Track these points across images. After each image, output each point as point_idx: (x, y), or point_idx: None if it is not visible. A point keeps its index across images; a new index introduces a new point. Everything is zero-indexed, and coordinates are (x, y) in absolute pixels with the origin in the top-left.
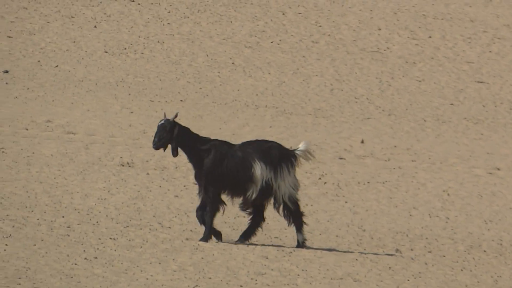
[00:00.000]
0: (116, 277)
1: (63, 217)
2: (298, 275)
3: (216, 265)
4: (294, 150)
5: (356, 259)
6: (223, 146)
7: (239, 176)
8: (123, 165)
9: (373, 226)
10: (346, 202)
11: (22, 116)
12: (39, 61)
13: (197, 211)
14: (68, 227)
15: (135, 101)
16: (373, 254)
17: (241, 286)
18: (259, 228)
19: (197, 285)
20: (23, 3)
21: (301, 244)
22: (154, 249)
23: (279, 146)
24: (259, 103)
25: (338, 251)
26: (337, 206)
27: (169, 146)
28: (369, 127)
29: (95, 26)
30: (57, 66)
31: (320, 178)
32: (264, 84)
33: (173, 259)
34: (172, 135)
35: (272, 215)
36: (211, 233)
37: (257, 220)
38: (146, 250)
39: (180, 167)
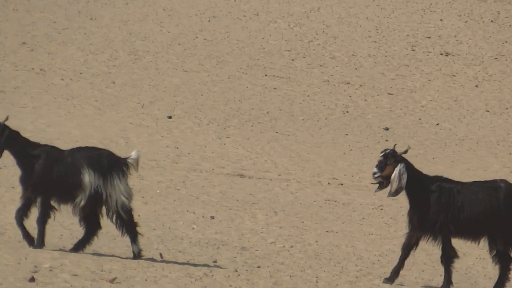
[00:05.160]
0: None
1: None
2: None
3: None
4: (126, 158)
5: None
6: (54, 152)
7: (68, 182)
8: None
9: None
10: None
11: None
12: (419, 118)
13: (17, 212)
14: None
15: None
16: None
17: None
18: (95, 237)
19: None
20: (404, 61)
21: (136, 255)
22: None
23: (109, 154)
24: None
25: None
26: None
27: None
28: None
29: (476, 86)
30: (438, 124)
31: None
32: None
33: None
34: (2, 138)
35: None
36: (43, 240)
37: (92, 228)
38: None
39: None
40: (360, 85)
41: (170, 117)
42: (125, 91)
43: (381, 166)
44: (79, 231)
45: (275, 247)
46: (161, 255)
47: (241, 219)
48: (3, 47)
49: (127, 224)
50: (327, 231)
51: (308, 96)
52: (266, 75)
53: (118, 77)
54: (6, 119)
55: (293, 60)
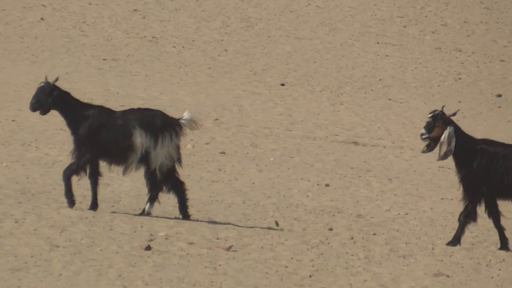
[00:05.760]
0: None
1: None
2: None
3: None
4: (178, 119)
5: None
6: (103, 114)
7: (119, 144)
8: None
9: None
10: None
11: None
12: None
13: (66, 169)
14: None
15: None
16: None
17: None
18: (186, 193)
19: None
20: None
21: (144, 213)
22: None
23: (162, 115)
24: None
25: None
26: None
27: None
28: None
29: None
30: None
31: None
32: None
33: None
34: (50, 98)
35: None
36: (70, 195)
37: (179, 190)
38: None
39: None
40: (472, 52)
41: (283, 85)
42: (238, 58)
43: (429, 127)
44: (194, 199)
45: (390, 214)
46: (276, 222)
47: (355, 187)
48: (114, 14)
49: (157, 184)
50: (441, 198)
51: (420, 63)
52: (378, 43)
53: (230, 45)
54: (56, 80)
55: (405, 27)
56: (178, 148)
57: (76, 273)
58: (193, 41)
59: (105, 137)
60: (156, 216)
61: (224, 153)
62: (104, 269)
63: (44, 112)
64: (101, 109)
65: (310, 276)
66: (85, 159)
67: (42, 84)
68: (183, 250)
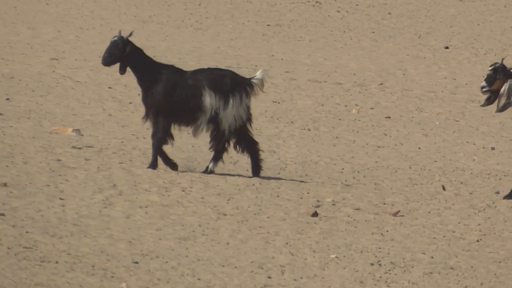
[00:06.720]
0: None
1: None
2: None
3: None
4: (250, 78)
5: None
6: (175, 73)
7: (189, 105)
8: None
9: None
10: None
11: None
12: None
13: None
14: None
15: None
16: None
17: None
18: (259, 152)
19: None
20: None
21: (207, 171)
22: None
23: (232, 75)
24: None
25: None
26: None
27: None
28: None
29: None
30: None
31: None
32: None
33: None
34: (123, 53)
35: None
36: (159, 162)
37: (252, 149)
38: None
39: None
40: None
41: (447, 48)
42: (402, 22)
43: (490, 80)
44: (360, 165)
45: None
46: (443, 187)
47: None
48: None
49: (223, 143)
50: None
51: None
52: None
53: (394, 8)
54: (130, 34)
55: None
56: (248, 108)
57: (243, 241)
58: (356, 5)
59: (177, 97)
60: (322, 183)
61: (389, 117)
62: (271, 237)
63: (122, 70)
64: (173, 69)
65: (477, 240)
66: (164, 121)
67: (115, 38)
68: (350, 216)
